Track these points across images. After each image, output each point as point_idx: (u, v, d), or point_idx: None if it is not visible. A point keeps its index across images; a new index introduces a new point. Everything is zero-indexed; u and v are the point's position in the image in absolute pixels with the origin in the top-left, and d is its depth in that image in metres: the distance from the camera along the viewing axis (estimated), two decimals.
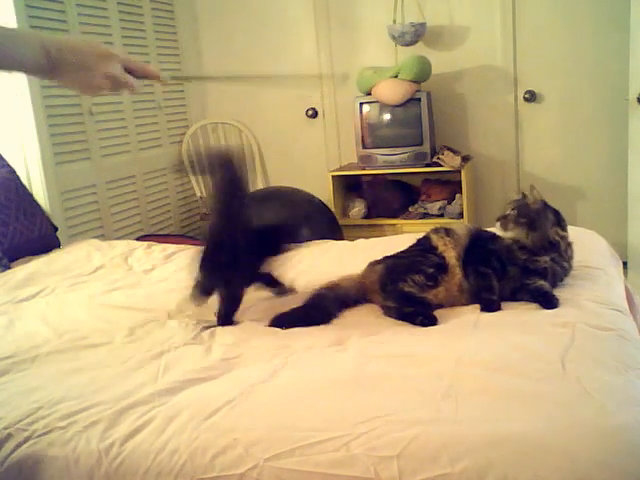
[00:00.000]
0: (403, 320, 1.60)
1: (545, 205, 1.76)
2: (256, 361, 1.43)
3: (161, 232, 3.80)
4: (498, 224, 1.75)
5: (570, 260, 1.76)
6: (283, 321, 1.65)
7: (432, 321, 1.57)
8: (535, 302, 1.61)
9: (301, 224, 1.88)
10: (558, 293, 1.67)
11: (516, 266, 1.67)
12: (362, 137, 3.64)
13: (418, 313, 1.59)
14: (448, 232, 1.76)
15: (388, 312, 1.65)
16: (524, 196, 1.80)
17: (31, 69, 1.29)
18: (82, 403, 1.27)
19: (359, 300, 1.75)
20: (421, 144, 3.55)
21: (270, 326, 1.64)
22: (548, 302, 1.59)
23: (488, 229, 1.81)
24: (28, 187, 2.80)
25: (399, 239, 2.24)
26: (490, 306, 1.61)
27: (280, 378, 1.33)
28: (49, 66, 1.26)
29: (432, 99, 3.64)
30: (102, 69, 1.31)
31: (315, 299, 1.71)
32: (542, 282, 1.64)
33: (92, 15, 3.28)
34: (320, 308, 1.68)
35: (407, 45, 3.67)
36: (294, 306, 1.70)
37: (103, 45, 1.34)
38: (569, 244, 1.76)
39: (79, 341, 1.63)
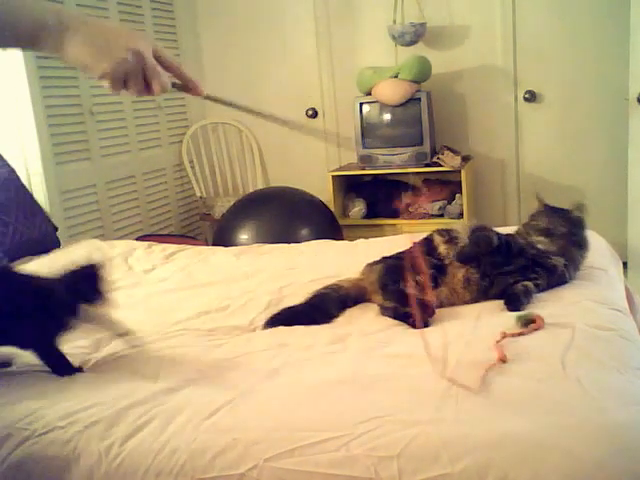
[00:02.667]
0: (399, 320, 1.60)
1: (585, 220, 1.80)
2: (256, 361, 1.43)
3: (161, 232, 3.80)
4: (546, 240, 1.73)
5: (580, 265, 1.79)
6: (281, 319, 1.65)
7: (423, 324, 1.56)
8: (502, 299, 1.62)
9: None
10: (558, 292, 1.67)
11: (524, 259, 1.69)
12: (362, 137, 3.64)
13: (413, 314, 1.58)
14: (450, 234, 1.77)
15: (385, 312, 1.66)
16: (544, 204, 1.81)
17: (39, 29, 0.96)
18: (82, 403, 1.27)
19: (359, 300, 1.76)
20: (421, 144, 3.55)
21: (268, 324, 1.65)
22: (512, 303, 1.59)
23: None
24: (28, 187, 2.80)
25: (399, 239, 2.24)
26: (515, 303, 1.60)
27: (280, 378, 1.33)
28: (60, 28, 0.96)
29: (432, 99, 3.63)
30: (125, 42, 0.98)
31: (316, 299, 1.72)
32: (527, 283, 1.64)
33: (92, 15, 3.28)
34: (321, 308, 1.69)
35: (407, 45, 3.66)
36: (295, 304, 1.71)
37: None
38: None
39: (79, 341, 1.63)
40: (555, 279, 1.70)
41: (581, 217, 1.78)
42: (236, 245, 2.92)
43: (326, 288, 1.75)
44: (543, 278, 1.68)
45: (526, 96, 3.71)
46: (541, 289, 1.67)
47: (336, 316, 1.69)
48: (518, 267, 1.68)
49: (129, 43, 0.98)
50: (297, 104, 4.09)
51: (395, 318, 1.61)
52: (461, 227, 1.80)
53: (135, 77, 1.00)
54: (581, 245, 1.76)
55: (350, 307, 1.74)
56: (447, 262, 1.71)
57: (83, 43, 0.96)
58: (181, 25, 4.06)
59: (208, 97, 1.36)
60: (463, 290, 1.68)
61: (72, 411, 1.24)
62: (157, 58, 1.03)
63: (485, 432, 1.04)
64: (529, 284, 1.64)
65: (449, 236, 1.77)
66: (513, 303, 1.59)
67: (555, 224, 1.75)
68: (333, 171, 3.79)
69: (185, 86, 1.12)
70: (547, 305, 1.59)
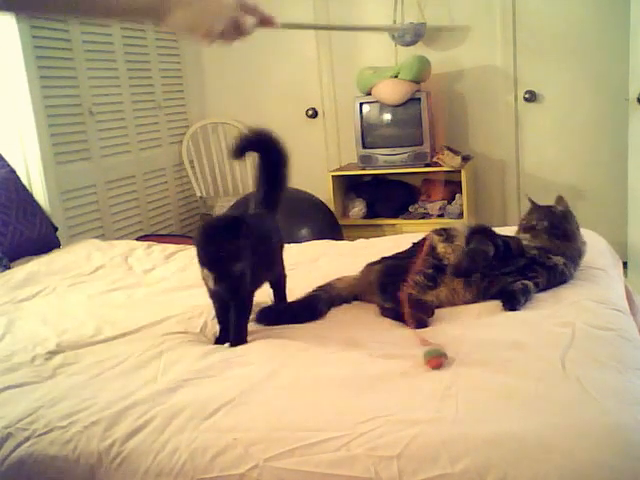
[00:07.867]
0: (398, 320, 1.60)
1: (571, 212, 1.80)
2: (256, 361, 1.43)
3: (161, 232, 3.80)
4: (527, 236, 1.76)
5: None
6: (268, 316, 1.66)
7: (423, 324, 1.56)
8: (500, 299, 1.62)
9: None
10: (558, 292, 1.67)
11: (525, 258, 1.69)
12: (362, 137, 3.64)
13: (412, 314, 1.58)
14: (448, 232, 1.77)
15: (385, 312, 1.65)
16: (533, 203, 1.81)
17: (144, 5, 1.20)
18: (82, 403, 1.27)
19: (348, 300, 1.76)
20: (421, 144, 3.55)
21: (255, 321, 1.65)
22: (508, 301, 1.59)
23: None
24: (28, 187, 2.80)
25: (399, 239, 2.24)
26: (513, 301, 1.59)
27: (280, 378, 1.33)
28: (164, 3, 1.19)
29: (432, 99, 3.64)
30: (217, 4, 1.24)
31: (307, 298, 1.72)
32: (526, 282, 1.64)
33: None
34: (309, 307, 1.69)
35: (407, 45, 3.67)
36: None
37: None
38: (584, 243, 1.80)
39: (79, 341, 1.64)
40: (556, 278, 1.70)
41: (563, 210, 1.80)
42: None
43: (318, 289, 1.76)
44: (543, 277, 1.68)
45: (526, 96, 3.71)
46: (541, 288, 1.67)
47: (323, 315, 1.68)
48: (518, 267, 1.68)
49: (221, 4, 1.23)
50: (297, 104, 4.09)
51: (395, 319, 1.61)
52: (460, 226, 1.80)
53: (228, 29, 1.25)
54: (568, 237, 1.75)
55: (337, 305, 1.74)
56: (446, 262, 1.71)
57: (184, 14, 1.21)
58: None
59: (285, 26, 1.69)
60: (464, 290, 1.68)
61: (72, 411, 1.24)
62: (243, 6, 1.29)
63: (485, 432, 1.04)
64: (528, 283, 1.64)
65: (447, 235, 1.77)
66: (510, 301, 1.59)
67: (537, 220, 1.77)
68: (333, 171, 3.79)
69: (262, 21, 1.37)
70: (547, 305, 1.60)
